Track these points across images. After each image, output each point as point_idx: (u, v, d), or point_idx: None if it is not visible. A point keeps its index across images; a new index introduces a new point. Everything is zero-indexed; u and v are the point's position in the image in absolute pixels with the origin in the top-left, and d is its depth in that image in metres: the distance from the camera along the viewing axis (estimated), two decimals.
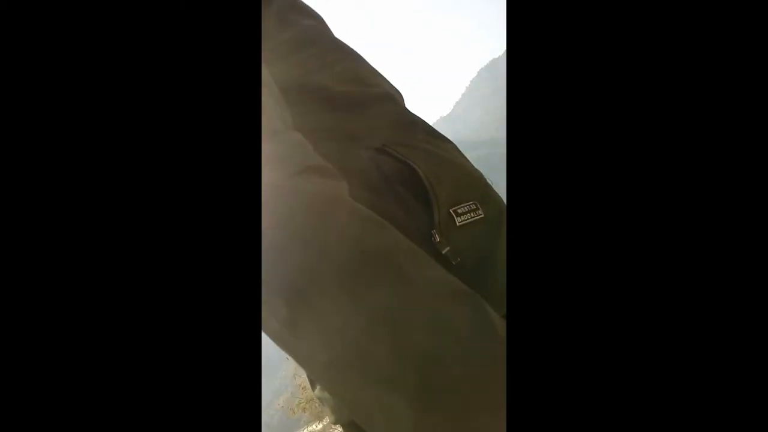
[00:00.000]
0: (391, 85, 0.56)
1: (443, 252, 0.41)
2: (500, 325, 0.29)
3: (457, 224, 0.43)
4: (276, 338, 0.32)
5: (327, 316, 0.29)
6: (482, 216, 0.45)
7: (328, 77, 0.49)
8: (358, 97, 0.50)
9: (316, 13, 0.56)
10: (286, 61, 0.47)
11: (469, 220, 0.44)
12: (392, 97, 0.53)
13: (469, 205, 0.45)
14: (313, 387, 0.42)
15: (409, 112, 0.53)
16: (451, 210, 0.43)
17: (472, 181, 0.49)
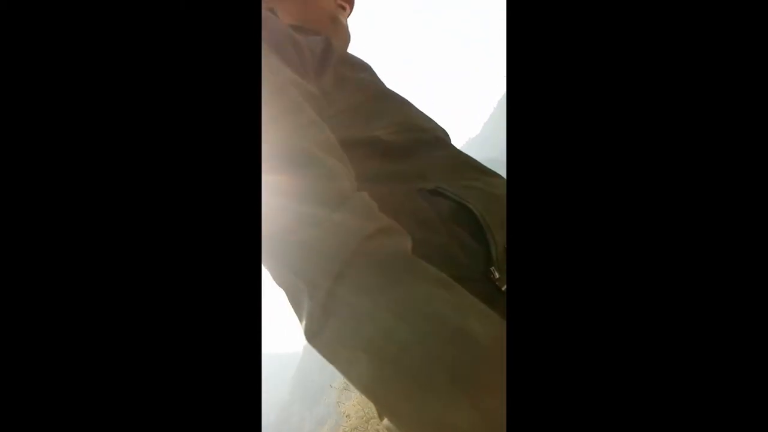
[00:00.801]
0: (439, 126, 0.59)
1: (503, 289, 0.42)
2: None
3: None
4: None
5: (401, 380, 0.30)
6: None
7: (380, 129, 0.52)
8: (410, 144, 0.52)
9: (365, 64, 0.61)
10: (345, 119, 0.50)
11: None
12: (442, 141, 0.56)
13: None
14: (380, 417, 0.43)
15: (459, 152, 0.56)
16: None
17: None
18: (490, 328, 0.31)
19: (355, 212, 0.36)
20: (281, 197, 0.36)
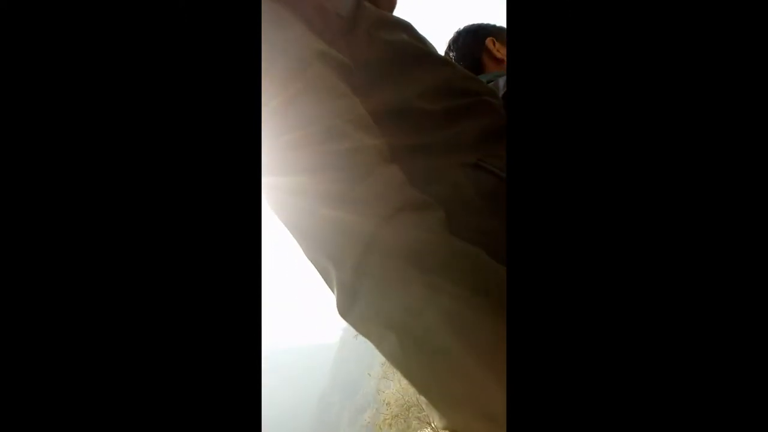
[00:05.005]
0: (484, 85, 0.54)
1: None
2: None
3: None
4: None
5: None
6: None
7: (416, 96, 0.48)
8: (449, 112, 0.48)
9: (405, 23, 0.54)
10: (376, 85, 0.47)
11: None
12: (485, 104, 0.51)
13: None
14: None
15: (503, 116, 0.52)
16: None
17: None
18: None
19: (379, 186, 0.36)
20: (305, 175, 0.36)
